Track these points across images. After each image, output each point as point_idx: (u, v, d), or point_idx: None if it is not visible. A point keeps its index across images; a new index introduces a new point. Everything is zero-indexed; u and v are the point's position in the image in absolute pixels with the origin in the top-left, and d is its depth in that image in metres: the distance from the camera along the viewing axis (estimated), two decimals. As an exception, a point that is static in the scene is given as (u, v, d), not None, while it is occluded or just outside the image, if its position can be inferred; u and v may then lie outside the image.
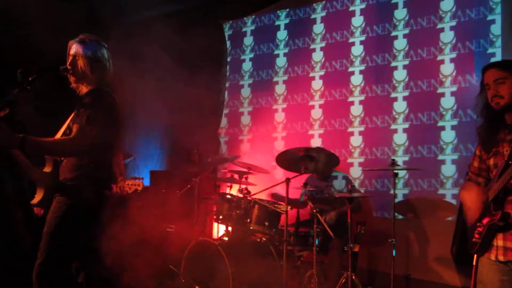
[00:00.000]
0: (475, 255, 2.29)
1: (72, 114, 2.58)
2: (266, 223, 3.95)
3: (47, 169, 2.54)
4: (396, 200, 3.99)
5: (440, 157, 4.48)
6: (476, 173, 2.37)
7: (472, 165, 2.40)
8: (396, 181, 3.93)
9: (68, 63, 2.58)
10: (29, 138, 2.26)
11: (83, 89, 2.60)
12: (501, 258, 2.13)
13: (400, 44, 4.82)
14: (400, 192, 4.61)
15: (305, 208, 4.42)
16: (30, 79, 2.43)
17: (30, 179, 2.57)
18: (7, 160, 2.45)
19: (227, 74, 6.07)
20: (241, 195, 4.09)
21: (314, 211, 3.72)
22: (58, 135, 2.59)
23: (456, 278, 4.19)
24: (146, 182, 6.05)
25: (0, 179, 4.61)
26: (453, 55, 4.51)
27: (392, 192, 3.90)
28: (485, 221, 2.17)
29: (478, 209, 2.24)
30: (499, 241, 2.14)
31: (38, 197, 2.51)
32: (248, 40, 5.95)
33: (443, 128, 4.49)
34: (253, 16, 5.91)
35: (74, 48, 2.57)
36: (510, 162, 2.06)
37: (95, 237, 2.48)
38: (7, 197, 4.59)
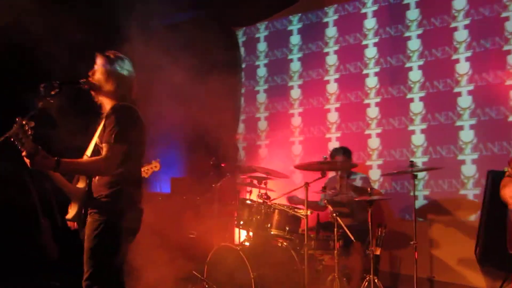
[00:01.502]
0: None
1: (98, 130, 2.64)
2: (287, 228, 3.97)
3: (81, 184, 2.61)
4: (417, 202, 3.98)
5: (460, 157, 4.45)
6: None
7: None
8: (416, 182, 3.90)
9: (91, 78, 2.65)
10: (63, 161, 2.36)
11: (106, 105, 2.65)
12: None
13: (414, 44, 4.81)
14: (421, 194, 4.59)
15: (324, 211, 4.44)
16: (52, 92, 2.49)
17: (64, 195, 2.64)
18: (33, 171, 2.52)
19: (242, 80, 6.13)
20: (261, 201, 4.13)
21: (334, 215, 3.73)
22: (88, 151, 2.66)
23: (480, 280, 4.15)
24: (167, 189, 6.15)
25: (27, 189, 4.75)
26: (468, 53, 4.49)
27: (412, 194, 3.89)
28: None
29: None
30: None
31: (72, 212, 2.59)
32: (262, 46, 6.01)
33: (461, 127, 4.47)
34: (266, 22, 5.96)
35: (97, 61, 2.65)
36: None
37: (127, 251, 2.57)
38: (34, 207, 4.72)
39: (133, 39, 4.55)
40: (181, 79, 5.11)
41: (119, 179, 2.50)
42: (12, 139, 2.30)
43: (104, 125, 2.54)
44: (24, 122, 2.28)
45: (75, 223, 2.64)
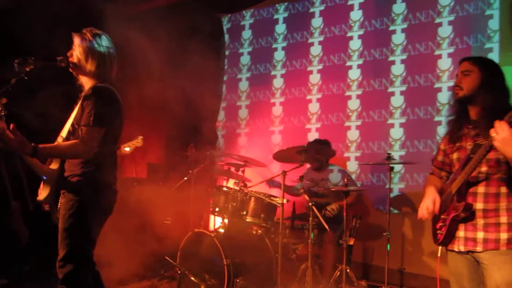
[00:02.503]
0: (439, 247, 2.35)
1: (75, 110, 2.56)
2: (262, 216, 3.96)
3: (54, 165, 2.56)
4: (392, 195, 4.01)
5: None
6: (439, 167, 2.44)
7: (436, 159, 2.47)
8: (392, 175, 3.95)
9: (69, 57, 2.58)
10: (41, 147, 2.36)
11: (86, 84, 2.60)
12: (462, 248, 2.19)
13: (398, 38, 4.82)
14: (396, 187, 4.63)
15: (299, 197, 4.43)
16: (27, 69, 2.44)
17: (36, 176, 2.58)
18: (3, 154, 2.46)
19: (225, 67, 6.07)
20: (237, 188, 4.10)
21: (310, 204, 3.73)
22: (63, 132, 2.60)
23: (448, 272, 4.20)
24: (143, 175, 6.07)
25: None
26: (451, 50, 4.51)
27: (387, 186, 3.91)
28: (448, 214, 2.22)
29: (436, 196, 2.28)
30: (460, 232, 2.20)
31: (44, 193, 2.54)
32: (247, 34, 5.94)
33: (439, 123, 4.50)
34: (252, 10, 5.89)
35: (75, 40, 2.58)
36: (471, 156, 2.11)
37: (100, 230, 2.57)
38: (5, 191, 4.60)
39: (114, 21, 4.45)
40: (163, 63, 5.04)
41: (93, 159, 2.47)
42: None
43: (82, 106, 2.49)
44: None
45: (47, 205, 2.58)
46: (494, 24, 4.31)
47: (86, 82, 2.59)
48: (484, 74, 2.21)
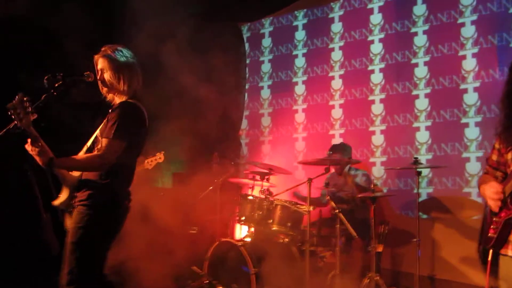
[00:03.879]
0: (490, 250, 2.24)
1: (103, 123, 2.61)
2: (289, 224, 3.94)
3: (76, 172, 2.60)
4: (420, 199, 3.93)
5: (465, 155, 4.39)
6: (494, 166, 2.32)
7: (490, 159, 2.34)
8: (420, 179, 3.88)
9: (98, 78, 2.62)
10: (57, 158, 2.41)
11: (116, 100, 2.64)
12: None
13: (420, 40, 4.75)
14: (424, 191, 4.54)
15: (326, 206, 4.40)
16: (56, 85, 2.51)
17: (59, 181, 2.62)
18: (35, 164, 2.52)
19: (247, 76, 6.10)
20: (263, 196, 4.10)
21: (337, 211, 3.70)
22: (89, 142, 2.65)
23: (483, 278, 4.08)
24: (169, 185, 6.13)
25: (29, 183, 4.74)
26: (475, 50, 4.42)
27: (415, 191, 3.85)
28: (502, 215, 2.13)
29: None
30: None
31: (62, 198, 2.57)
32: (267, 42, 5.97)
33: (466, 125, 4.41)
34: (271, 18, 5.92)
35: (100, 62, 2.61)
36: None
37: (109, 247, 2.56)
38: (36, 201, 4.71)
39: (137, 33, 4.54)
40: (185, 74, 5.10)
41: (110, 173, 2.48)
42: (10, 112, 2.31)
43: (107, 119, 2.54)
44: (24, 98, 2.30)
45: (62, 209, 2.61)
46: (519, 21, 4.22)
47: (116, 98, 2.64)
48: None
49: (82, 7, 4.37)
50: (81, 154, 2.58)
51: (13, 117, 2.30)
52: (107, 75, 2.57)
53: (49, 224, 4.83)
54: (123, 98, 2.60)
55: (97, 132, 2.63)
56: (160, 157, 3.86)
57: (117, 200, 2.53)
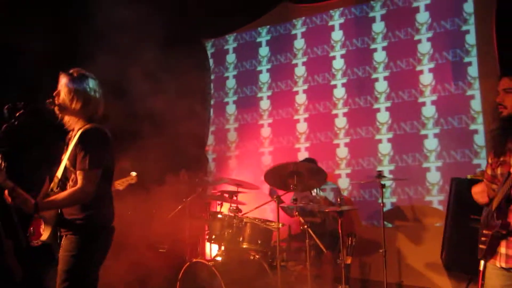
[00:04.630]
0: (482, 261, 2.32)
1: (68, 151, 2.58)
2: (259, 241, 3.98)
3: None
4: (385, 209, 4.07)
5: (425, 165, 4.58)
6: (490, 180, 2.39)
7: (486, 173, 2.42)
8: (384, 190, 4.03)
9: (54, 94, 2.60)
10: (42, 203, 2.43)
11: (74, 124, 2.62)
12: (503, 264, 2.18)
13: (380, 56, 4.94)
14: (388, 201, 4.70)
15: (295, 218, 4.47)
16: (17, 114, 2.47)
17: (28, 215, 2.59)
18: None
19: (212, 91, 6.13)
20: (232, 214, 4.12)
21: (306, 226, 3.76)
22: (59, 172, 2.61)
23: (447, 283, 4.27)
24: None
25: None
26: (431, 65, 4.64)
27: (380, 201, 3.99)
28: (490, 229, 2.22)
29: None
30: (502, 248, 2.19)
31: (46, 233, 2.55)
32: (231, 58, 6.03)
33: (425, 136, 4.61)
34: (235, 34, 5.99)
35: (61, 80, 2.60)
36: (511, 171, 2.06)
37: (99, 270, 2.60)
38: (-3, 230, 4.55)
39: (96, 52, 4.49)
40: (150, 92, 5.07)
41: (92, 202, 2.49)
42: None
43: (75, 149, 2.52)
44: None
45: (50, 243, 2.58)
46: (471, 39, 4.46)
47: (74, 123, 2.62)
48: None
49: (45, 29, 4.30)
50: (62, 193, 2.53)
51: None
52: (62, 93, 2.55)
53: (11, 251, 4.68)
54: (80, 121, 2.59)
55: (65, 162, 2.58)
56: (132, 178, 3.83)
57: (104, 225, 2.56)
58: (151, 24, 5.64)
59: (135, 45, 5.21)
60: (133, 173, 3.88)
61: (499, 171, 2.27)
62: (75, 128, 2.61)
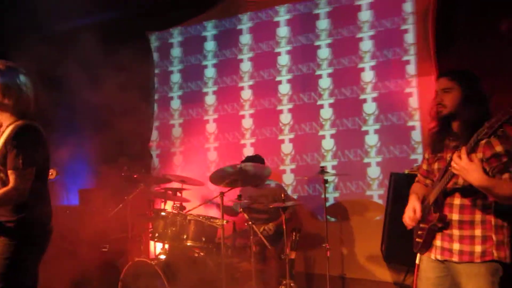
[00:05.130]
0: (418, 254, 2.41)
1: None
2: (203, 238, 3.93)
3: None
4: (328, 204, 4.16)
5: (366, 160, 4.72)
6: (424, 175, 2.49)
7: (421, 168, 2.52)
8: (327, 185, 4.10)
9: None
10: None
11: (5, 120, 2.49)
12: (438, 257, 2.27)
13: (324, 53, 5.01)
14: (331, 196, 4.80)
15: (239, 216, 4.46)
16: None
17: None
18: None
19: (156, 86, 5.97)
20: (175, 212, 4.05)
21: (250, 223, 3.76)
22: None
23: (387, 274, 4.43)
24: (75, 201, 5.80)
25: None
26: (373, 63, 4.77)
27: (323, 196, 4.06)
28: (427, 222, 2.29)
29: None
30: (437, 241, 2.28)
31: None
32: (176, 52, 5.90)
33: (366, 132, 4.74)
34: (180, 27, 5.86)
35: None
36: (449, 167, 2.14)
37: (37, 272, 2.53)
38: None
39: (32, 44, 4.25)
40: (91, 85, 4.87)
41: (26, 202, 2.39)
42: None
43: (7, 147, 2.38)
44: None
45: None
46: (409, 38, 4.62)
47: (5, 118, 2.49)
48: (464, 90, 2.25)
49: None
50: None
51: None
52: None
53: None
54: (11, 117, 2.47)
55: None
56: (51, 172, 3.65)
57: (39, 225, 2.47)
58: (91, 13, 5.42)
59: (72, 35, 4.98)
60: (53, 169, 3.72)
61: (436, 166, 2.36)
62: (5, 123, 2.47)
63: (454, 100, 2.26)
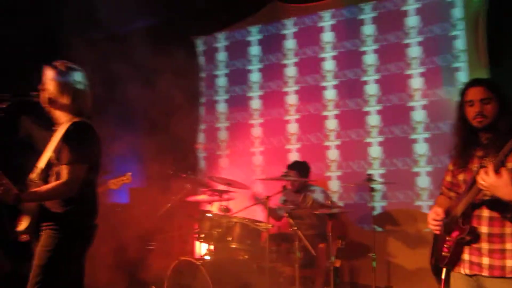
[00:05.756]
0: (444, 269, 2.34)
1: (53, 143, 2.54)
2: (248, 241, 3.98)
3: None
4: (375, 213, 4.10)
5: (415, 169, 4.63)
6: (449, 187, 2.44)
7: (445, 180, 2.47)
8: (374, 194, 4.05)
9: (41, 88, 2.57)
10: (23, 194, 2.40)
11: (61, 118, 2.59)
12: (467, 271, 2.20)
13: (370, 59, 4.97)
14: (378, 205, 4.73)
15: (283, 220, 4.49)
16: (3, 106, 2.46)
17: (17, 207, 2.55)
18: None
19: (202, 89, 6.10)
20: (221, 213, 4.12)
21: (295, 228, 3.78)
22: (41, 163, 2.57)
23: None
24: (125, 200, 6.00)
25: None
26: (421, 69, 4.68)
27: (370, 205, 4.02)
28: (454, 235, 2.24)
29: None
30: (465, 255, 2.21)
31: (24, 224, 2.51)
32: (222, 56, 6.00)
33: (415, 141, 4.65)
34: (225, 32, 5.96)
35: (47, 73, 2.58)
36: (478, 176, 2.08)
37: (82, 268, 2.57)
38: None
39: (84, 49, 4.44)
40: (140, 89, 5.04)
41: (75, 197, 2.46)
42: None
43: (62, 143, 2.48)
44: None
45: (27, 235, 2.56)
46: (460, 44, 4.51)
47: (62, 116, 2.59)
48: (501, 100, 2.22)
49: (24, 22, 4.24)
50: (45, 186, 2.50)
51: None
52: (50, 87, 2.53)
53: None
54: (67, 115, 2.57)
55: (50, 153, 2.55)
56: (127, 177, 3.84)
57: (86, 222, 2.53)
58: (139, 19, 5.61)
59: (121, 41, 5.16)
60: (129, 173, 3.88)
61: (461, 177, 2.30)
62: (63, 121, 2.59)
63: (493, 111, 2.21)
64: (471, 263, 2.19)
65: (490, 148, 2.16)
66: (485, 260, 2.14)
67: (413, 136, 4.67)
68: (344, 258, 4.24)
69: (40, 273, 2.39)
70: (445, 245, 2.30)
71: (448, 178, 2.43)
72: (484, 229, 2.16)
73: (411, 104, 4.71)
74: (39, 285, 2.37)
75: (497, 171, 1.97)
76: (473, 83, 2.32)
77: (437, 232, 2.36)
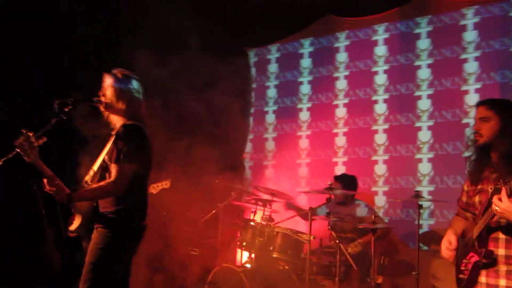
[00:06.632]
0: None
1: (107, 147, 2.68)
2: (289, 252, 3.98)
3: None
4: (421, 231, 3.96)
5: (466, 188, 4.44)
6: (464, 208, 2.41)
7: (461, 200, 2.44)
8: (421, 211, 3.92)
9: (100, 94, 2.71)
10: (75, 194, 2.53)
11: (117, 122, 2.71)
12: None
13: (424, 73, 4.85)
14: (425, 223, 4.58)
15: (326, 232, 4.42)
16: (66, 109, 2.59)
17: (70, 206, 2.69)
18: (41, 182, 2.60)
19: (253, 100, 6.19)
20: (264, 223, 4.14)
21: (337, 241, 3.73)
22: (95, 165, 2.71)
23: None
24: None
25: (35, 200, 4.80)
26: (478, 85, 4.51)
27: (416, 222, 3.89)
28: (470, 258, 2.20)
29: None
30: (482, 278, 2.18)
31: (76, 224, 2.64)
32: (273, 67, 6.07)
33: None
34: (278, 44, 6.04)
35: (106, 80, 2.72)
36: (492, 200, 2.05)
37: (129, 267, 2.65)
38: (40, 216, 4.76)
39: (138, 58, 4.64)
40: (192, 97, 5.19)
41: (126, 197, 2.55)
42: (17, 150, 2.43)
43: (114, 144, 2.60)
44: (29, 134, 2.43)
45: (77, 234, 2.68)
46: (521, 60, 4.31)
47: (117, 121, 2.70)
48: (503, 120, 2.20)
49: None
50: (94, 184, 2.63)
51: (21, 153, 2.44)
52: (108, 92, 2.65)
53: (52, 241, 4.88)
54: (122, 120, 2.67)
55: (104, 156, 2.68)
56: (166, 183, 3.95)
57: (135, 223, 2.61)
58: (193, 29, 5.79)
59: (176, 50, 5.34)
60: (168, 180, 4.00)
61: (477, 199, 2.27)
62: (118, 125, 2.70)
63: (491, 130, 2.19)
64: (488, 285, 2.17)
65: (500, 169, 2.15)
66: (502, 282, 2.12)
67: (467, 154, 4.47)
68: (386, 274, 4.12)
69: (92, 270, 2.49)
70: (462, 268, 2.27)
71: (464, 199, 2.42)
72: (501, 251, 2.14)
73: (466, 120, 4.54)
74: (90, 282, 2.47)
75: (510, 196, 1.95)
76: (479, 102, 2.36)
77: (451, 260, 2.35)
